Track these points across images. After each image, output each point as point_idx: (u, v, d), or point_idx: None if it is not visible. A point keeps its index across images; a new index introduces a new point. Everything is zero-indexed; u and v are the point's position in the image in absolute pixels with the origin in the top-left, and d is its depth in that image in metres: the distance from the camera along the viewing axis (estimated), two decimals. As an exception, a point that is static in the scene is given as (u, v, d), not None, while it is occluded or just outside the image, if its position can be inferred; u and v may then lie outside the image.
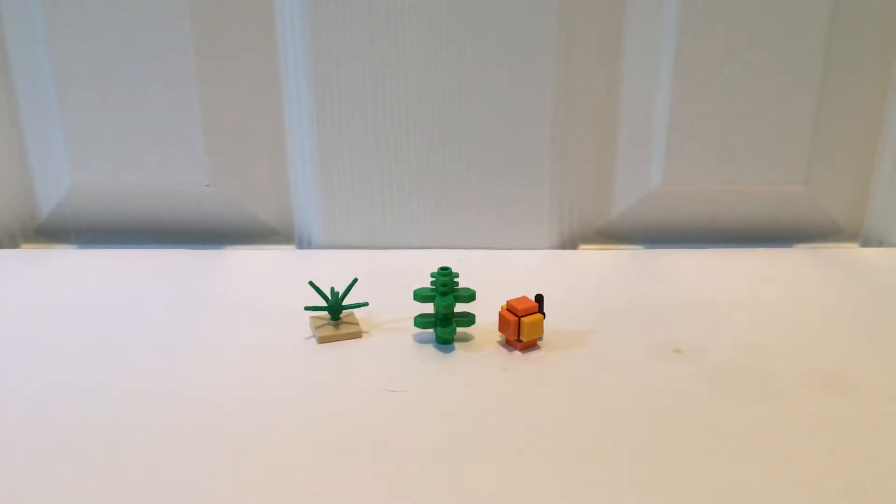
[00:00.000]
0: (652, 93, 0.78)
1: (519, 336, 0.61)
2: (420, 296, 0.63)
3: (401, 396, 0.56)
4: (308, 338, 0.64)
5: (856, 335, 0.65)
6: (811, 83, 0.77)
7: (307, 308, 0.65)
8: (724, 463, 0.50)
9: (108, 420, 0.54)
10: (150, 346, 0.63)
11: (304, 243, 0.83)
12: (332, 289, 0.65)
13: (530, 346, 0.63)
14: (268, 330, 0.65)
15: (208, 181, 0.80)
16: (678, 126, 0.78)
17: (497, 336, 0.64)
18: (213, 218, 0.82)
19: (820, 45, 0.76)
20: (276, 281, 0.74)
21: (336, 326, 0.65)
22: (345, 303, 0.66)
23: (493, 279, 0.72)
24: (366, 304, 0.67)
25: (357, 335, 0.64)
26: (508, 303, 0.62)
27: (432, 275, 0.63)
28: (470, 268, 0.71)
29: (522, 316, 0.61)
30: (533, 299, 0.63)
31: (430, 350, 0.62)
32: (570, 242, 0.83)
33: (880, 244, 0.83)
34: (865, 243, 0.84)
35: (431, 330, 0.64)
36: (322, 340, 0.63)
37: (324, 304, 0.65)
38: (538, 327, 0.62)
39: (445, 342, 0.63)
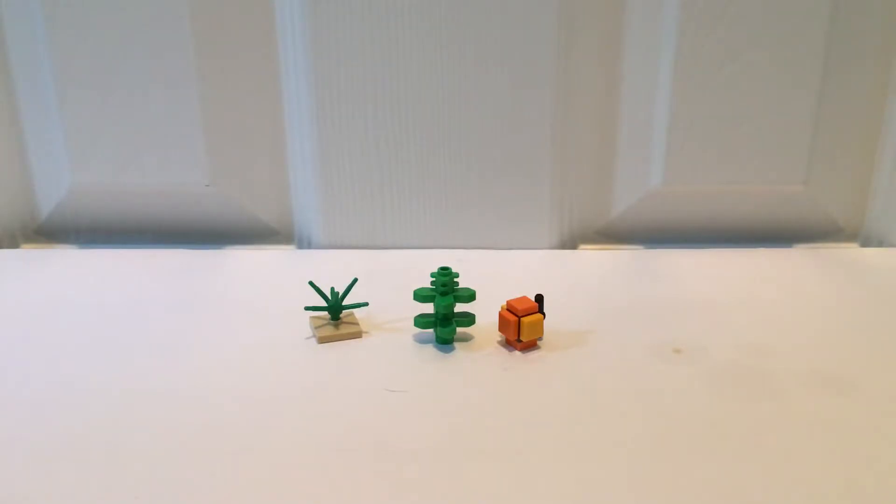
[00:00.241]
0: (652, 93, 0.78)
1: (519, 336, 0.61)
2: (420, 296, 0.63)
3: (401, 396, 0.56)
4: (308, 338, 0.64)
5: (856, 335, 0.65)
6: (811, 83, 0.77)
7: (307, 308, 0.65)
8: (724, 463, 0.50)
9: (108, 420, 0.54)
10: (150, 346, 0.63)
11: (304, 243, 0.83)
12: (332, 289, 0.65)
13: (530, 346, 0.63)
14: (268, 330, 0.65)
15: (208, 181, 0.80)
16: (678, 126, 0.78)
17: (497, 336, 0.64)
18: (213, 218, 0.82)
19: (820, 45, 0.76)
20: (276, 281, 0.74)
21: (336, 326, 0.65)
22: (345, 303, 0.66)
23: (493, 279, 0.72)
24: (366, 304, 0.67)
25: (357, 335, 0.64)
26: (508, 303, 0.62)
27: (432, 275, 0.63)
28: (470, 268, 0.71)
29: (522, 316, 0.61)
30: (533, 299, 0.63)
31: (430, 350, 0.62)
32: (570, 242, 0.83)
33: (880, 244, 0.83)
34: (865, 243, 0.84)
35: (431, 330, 0.64)
36: (322, 340, 0.63)
37: (324, 304, 0.65)
38: (538, 327, 0.62)
39: (445, 342, 0.63)
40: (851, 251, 0.82)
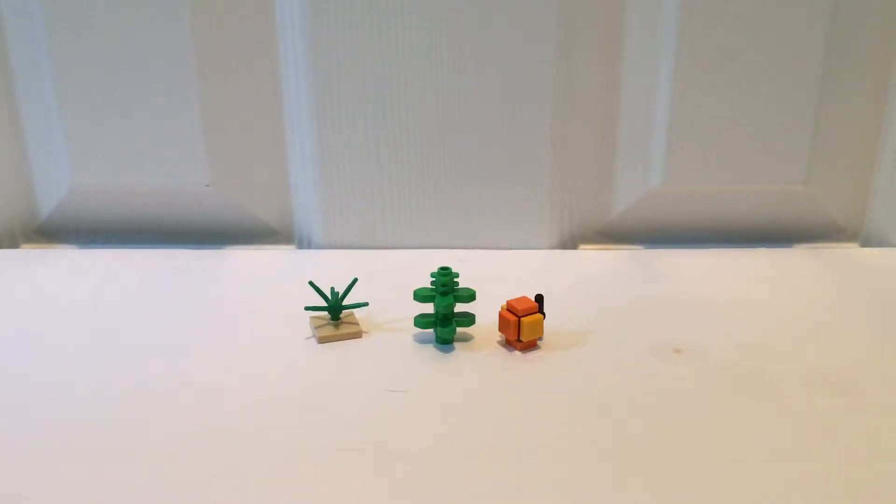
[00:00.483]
0: (652, 93, 0.78)
1: (519, 336, 0.61)
2: (420, 296, 0.63)
3: (401, 396, 0.56)
4: (308, 338, 0.64)
5: (856, 335, 0.65)
6: (811, 83, 0.77)
7: (307, 308, 0.65)
8: (724, 463, 0.49)
9: (108, 420, 0.54)
10: (150, 346, 0.63)
11: (304, 243, 0.83)
12: (332, 289, 0.65)
13: (530, 346, 0.63)
14: (268, 330, 0.65)
15: (208, 181, 0.80)
16: (678, 126, 0.78)
17: (497, 336, 0.64)
18: (213, 218, 0.82)
19: (820, 45, 0.76)
20: (276, 281, 0.74)
21: (336, 326, 0.65)
22: (345, 303, 0.66)
23: (493, 279, 0.72)
24: (366, 304, 0.67)
25: (357, 335, 0.64)
26: (508, 303, 0.62)
27: (432, 275, 0.63)
28: (470, 268, 0.71)
29: (522, 316, 0.61)
30: (533, 299, 0.63)
31: (430, 350, 0.62)
32: (570, 242, 0.83)
33: (880, 244, 0.83)
34: (865, 243, 0.84)
35: (431, 330, 0.64)
36: (322, 340, 0.63)
37: (324, 304, 0.65)
38: (538, 327, 0.62)
39: (445, 342, 0.63)
40: (851, 251, 0.82)
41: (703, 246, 0.82)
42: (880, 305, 0.70)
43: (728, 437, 0.52)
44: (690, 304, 0.70)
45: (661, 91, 0.77)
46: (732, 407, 0.55)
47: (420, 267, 0.72)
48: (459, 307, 0.65)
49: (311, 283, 0.65)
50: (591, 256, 0.81)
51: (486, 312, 0.65)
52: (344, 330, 0.64)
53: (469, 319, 0.64)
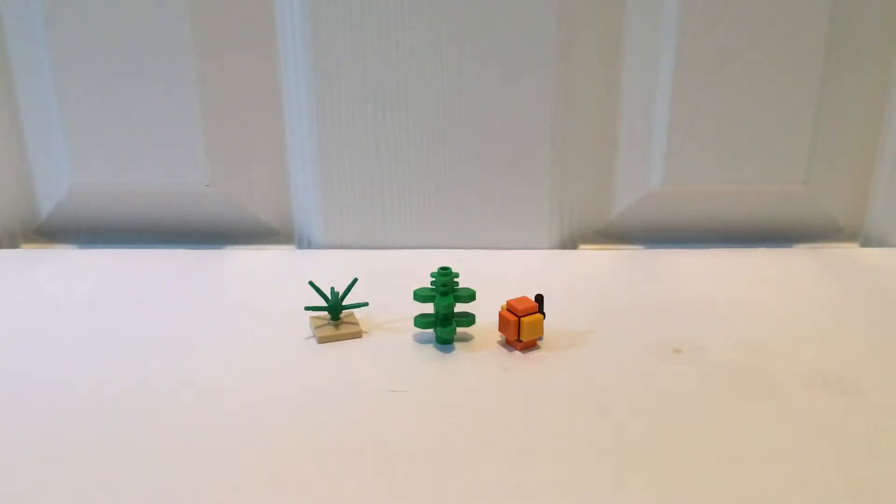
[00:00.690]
0: (652, 93, 0.78)
1: (519, 336, 0.61)
2: (420, 296, 0.63)
3: (401, 396, 0.56)
4: (308, 338, 0.64)
5: (856, 335, 0.65)
6: (811, 83, 0.77)
7: (307, 308, 0.65)
8: (724, 463, 0.49)
9: (108, 420, 0.54)
10: (150, 346, 0.63)
11: (304, 243, 0.83)
12: (332, 289, 0.65)
13: (530, 346, 0.63)
14: (268, 330, 0.65)
15: (208, 181, 0.80)
16: (678, 126, 0.78)
17: (497, 336, 0.64)
18: (213, 218, 0.82)
19: (820, 45, 0.76)
20: (276, 281, 0.74)
21: (336, 326, 0.65)
22: (345, 303, 0.66)
23: (493, 279, 0.72)
24: (366, 304, 0.67)
25: (357, 335, 0.64)
26: (508, 303, 0.62)
27: (432, 275, 0.63)
28: (470, 268, 0.71)
29: (522, 316, 0.61)
30: (533, 299, 0.63)
31: (430, 350, 0.62)
32: (570, 242, 0.83)
33: (880, 244, 0.83)
34: (865, 243, 0.84)
35: (431, 330, 0.64)
36: (322, 340, 0.63)
37: (324, 304, 0.65)
38: (538, 327, 0.62)
39: (445, 342, 0.63)
40: (851, 251, 0.82)
41: (703, 246, 0.82)
42: (880, 305, 0.70)
43: (728, 437, 0.52)
44: (690, 304, 0.70)
45: (661, 91, 0.77)
46: (732, 407, 0.55)
47: (420, 267, 0.72)
48: (459, 307, 0.65)
49: (311, 283, 0.65)
50: (591, 256, 0.81)
51: (486, 312, 0.65)
52: (344, 330, 0.64)
53: (469, 319, 0.64)
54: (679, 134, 0.78)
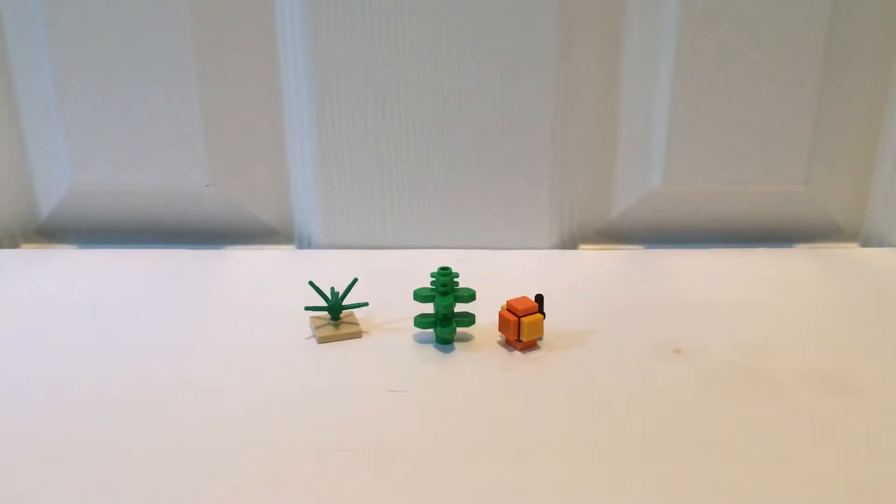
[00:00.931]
0: (652, 93, 0.78)
1: (519, 336, 0.61)
2: (420, 296, 0.63)
3: (401, 396, 0.56)
4: (308, 338, 0.64)
5: (856, 335, 0.65)
6: (811, 83, 0.77)
7: (307, 308, 0.65)
8: (724, 463, 0.49)
9: (108, 420, 0.54)
10: (150, 346, 0.63)
11: (304, 243, 0.83)
12: (332, 289, 0.65)
13: (530, 346, 0.63)
14: (268, 330, 0.65)
15: (208, 181, 0.80)
16: (678, 126, 0.78)
17: (497, 336, 0.64)
18: (213, 218, 0.82)
19: (820, 45, 0.76)
20: (276, 281, 0.74)
21: (336, 326, 0.65)
22: (345, 303, 0.66)
23: (493, 279, 0.72)
24: (366, 304, 0.67)
25: (357, 335, 0.64)
26: (508, 303, 0.62)
27: (432, 275, 0.63)
28: (470, 268, 0.71)
29: (522, 316, 0.61)
30: (533, 299, 0.63)
31: (430, 350, 0.62)
32: (570, 242, 0.83)
33: (880, 244, 0.83)
34: (865, 243, 0.84)
35: (431, 330, 0.64)
36: (322, 340, 0.63)
37: (324, 304, 0.65)
38: (538, 327, 0.62)
39: (445, 342, 0.63)
40: (851, 251, 0.82)
41: (703, 246, 0.82)
42: (880, 305, 0.70)
43: (728, 437, 0.52)
44: (690, 304, 0.70)
45: (661, 91, 0.77)
46: (732, 407, 0.55)
47: (420, 267, 0.72)
48: (459, 307, 0.65)
49: (311, 283, 0.65)
50: (591, 256, 0.81)
51: (486, 312, 0.65)
52: (344, 330, 0.64)
53: (469, 319, 0.64)
54: (679, 134, 0.78)
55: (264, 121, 0.79)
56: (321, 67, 0.76)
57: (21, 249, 0.83)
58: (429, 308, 0.65)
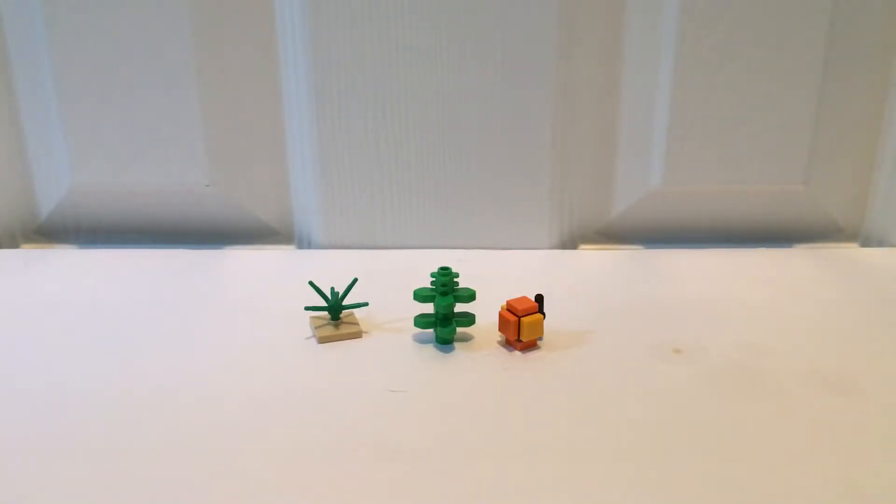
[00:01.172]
0: (652, 93, 0.78)
1: (519, 336, 0.61)
2: (420, 296, 0.63)
3: (401, 396, 0.56)
4: (308, 338, 0.64)
5: (856, 335, 0.65)
6: (811, 83, 0.77)
7: (307, 308, 0.65)
8: (724, 463, 0.49)
9: (108, 420, 0.54)
10: (150, 346, 0.63)
11: (304, 243, 0.83)
12: (332, 289, 0.65)
13: (530, 346, 0.63)
14: (268, 330, 0.65)
15: (208, 181, 0.80)
16: (678, 126, 0.78)
17: (497, 336, 0.64)
18: (213, 218, 0.82)
19: (820, 45, 0.76)
20: (276, 281, 0.74)
21: (336, 326, 0.65)
22: (345, 303, 0.66)
23: (493, 279, 0.72)
24: (366, 304, 0.67)
25: (357, 335, 0.64)
26: (508, 303, 0.62)
27: (432, 275, 0.63)
28: (470, 268, 0.71)
29: (522, 316, 0.61)
30: (533, 299, 0.63)
31: (430, 350, 0.62)
32: (570, 242, 0.83)
33: (880, 244, 0.83)
34: (865, 243, 0.84)
35: (431, 330, 0.64)
36: (322, 340, 0.63)
37: (324, 304, 0.65)
38: (538, 327, 0.62)
39: (445, 342, 0.63)
40: (851, 251, 0.82)
41: (703, 246, 0.82)
42: (880, 305, 0.70)
43: (728, 437, 0.52)
44: (690, 304, 0.70)
45: (661, 91, 0.77)
46: (732, 407, 0.55)
47: (420, 267, 0.72)
48: (459, 307, 0.65)
49: (311, 283, 0.65)
50: (591, 256, 0.81)
51: (486, 312, 0.65)
52: (344, 330, 0.64)
53: (469, 319, 0.64)
54: (679, 134, 0.78)
55: (264, 121, 0.79)
56: (321, 67, 0.76)
57: (21, 249, 0.83)
58: (429, 308, 0.65)
